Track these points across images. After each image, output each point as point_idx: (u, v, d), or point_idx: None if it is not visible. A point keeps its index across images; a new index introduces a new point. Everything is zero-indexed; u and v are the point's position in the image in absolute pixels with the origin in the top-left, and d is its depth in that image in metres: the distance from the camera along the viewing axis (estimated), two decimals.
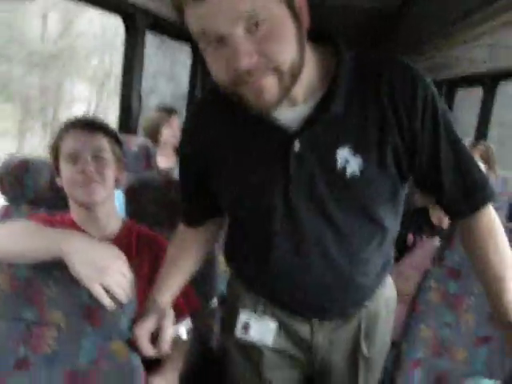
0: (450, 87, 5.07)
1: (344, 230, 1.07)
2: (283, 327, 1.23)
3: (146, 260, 1.49)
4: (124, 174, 1.56)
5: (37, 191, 1.88)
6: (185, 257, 1.30)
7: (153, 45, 3.85)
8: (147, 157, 2.80)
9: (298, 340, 1.24)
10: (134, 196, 1.81)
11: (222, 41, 0.85)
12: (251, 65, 0.86)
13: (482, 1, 2.03)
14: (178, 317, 1.44)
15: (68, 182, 1.46)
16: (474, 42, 2.60)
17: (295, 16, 0.88)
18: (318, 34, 1.01)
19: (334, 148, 1.00)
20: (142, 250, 1.51)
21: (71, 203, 1.52)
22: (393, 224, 1.15)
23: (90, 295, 1.11)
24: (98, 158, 1.45)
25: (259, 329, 1.23)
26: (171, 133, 3.18)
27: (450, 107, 5.03)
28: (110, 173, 1.48)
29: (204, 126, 1.11)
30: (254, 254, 1.18)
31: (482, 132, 4.18)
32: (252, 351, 1.26)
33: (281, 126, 1.01)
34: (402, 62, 1.01)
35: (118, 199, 2.28)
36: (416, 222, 2.65)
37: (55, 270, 1.14)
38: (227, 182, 1.10)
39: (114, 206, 1.57)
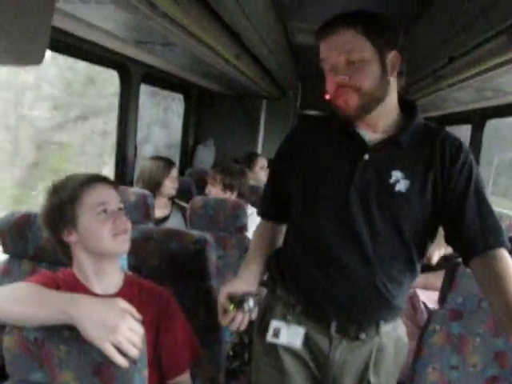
0: (439, 124, 5.17)
1: (380, 238, 1.34)
2: (306, 338, 1.44)
3: (148, 313, 1.48)
4: None
5: (39, 246, 1.89)
6: (260, 245, 1.60)
7: (146, 94, 3.92)
8: (146, 207, 2.82)
9: (318, 352, 1.44)
10: (135, 248, 1.82)
11: (332, 68, 1.32)
12: (344, 82, 1.29)
13: (467, 48, 2.11)
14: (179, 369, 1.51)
15: (98, 235, 1.45)
16: (460, 85, 2.67)
17: (382, 63, 1.29)
18: (405, 104, 1.43)
19: (391, 168, 1.33)
20: (145, 303, 1.50)
21: (79, 258, 1.50)
22: (416, 254, 1.40)
23: (102, 353, 1.11)
24: (121, 209, 1.51)
25: (289, 333, 1.45)
26: (172, 184, 3.20)
27: None
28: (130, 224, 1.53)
29: (302, 135, 1.51)
30: (304, 247, 1.44)
31: None
32: (276, 355, 1.47)
33: (361, 138, 1.37)
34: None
35: None
36: None
37: (65, 330, 1.13)
38: (303, 180, 1.43)
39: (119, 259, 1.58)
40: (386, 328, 1.43)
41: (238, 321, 1.39)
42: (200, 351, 1.58)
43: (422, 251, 1.43)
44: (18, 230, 1.89)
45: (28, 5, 1.10)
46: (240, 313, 1.38)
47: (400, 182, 1.32)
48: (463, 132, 4.36)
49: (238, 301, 1.38)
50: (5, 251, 1.96)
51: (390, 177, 1.33)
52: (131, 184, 3.33)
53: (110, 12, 1.67)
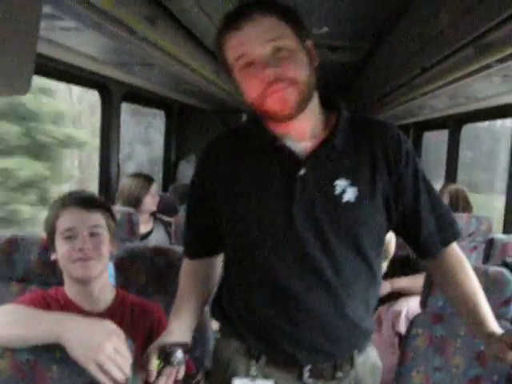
0: (417, 130, 5.28)
1: (338, 258, 1.18)
2: None
3: (140, 331, 1.50)
4: (116, 246, 1.60)
5: (27, 268, 1.90)
6: (191, 288, 1.37)
7: (127, 112, 3.96)
8: (130, 225, 2.84)
9: None
10: (123, 266, 1.85)
11: (252, 64, 1.11)
12: (275, 75, 1.09)
13: (437, 60, 2.19)
14: None
15: (64, 259, 1.47)
16: (433, 93, 2.75)
17: (306, 51, 1.15)
18: (325, 100, 1.26)
19: (334, 178, 1.17)
20: (136, 320, 1.53)
21: (66, 278, 1.53)
22: (377, 265, 1.26)
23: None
24: (94, 234, 1.48)
25: None
26: (152, 200, 3.22)
27: (418, 149, 5.22)
28: (105, 248, 1.51)
29: (215, 162, 1.27)
30: (249, 283, 1.25)
31: (451, 173, 4.32)
32: None
33: (293, 154, 1.19)
34: (389, 122, 1.28)
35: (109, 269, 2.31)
36: None
37: (57, 351, 1.15)
38: (235, 205, 1.23)
39: (107, 278, 1.58)
40: (360, 358, 1.28)
41: (162, 379, 1.19)
42: (192, 368, 1.57)
43: (379, 257, 1.28)
44: (6, 253, 1.91)
45: (12, 35, 1.14)
46: (168, 368, 1.20)
47: (347, 191, 1.17)
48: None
49: (164, 354, 1.20)
50: None
51: (335, 188, 1.17)
52: (114, 202, 3.35)
53: (90, 37, 1.72)
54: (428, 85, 2.57)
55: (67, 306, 1.47)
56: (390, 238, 2.58)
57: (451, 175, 4.30)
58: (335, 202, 1.17)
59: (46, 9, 1.35)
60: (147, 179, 3.25)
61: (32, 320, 1.19)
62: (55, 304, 1.48)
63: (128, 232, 2.86)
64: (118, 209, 2.91)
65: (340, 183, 1.17)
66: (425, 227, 1.25)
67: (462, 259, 1.29)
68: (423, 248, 1.29)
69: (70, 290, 1.52)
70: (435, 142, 5.45)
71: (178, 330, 1.27)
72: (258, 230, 1.21)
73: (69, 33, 1.64)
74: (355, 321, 1.23)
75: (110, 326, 1.18)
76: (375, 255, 1.24)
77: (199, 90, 3.45)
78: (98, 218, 1.51)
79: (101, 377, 1.12)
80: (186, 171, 5.06)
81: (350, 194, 1.17)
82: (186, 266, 1.41)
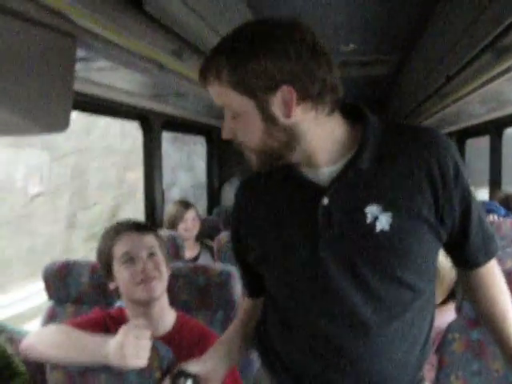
0: (458, 138, 5.22)
1: (375, 294, 1.05)
2: None
3: (196, 355, 1.48)
4: (170, 268, 1.67)
5: (79, 291, 2.05)
6: (244, 326, 1.33)
7: (169, 140, 4.12)
8: (175, 247, 2.97)
9: None
10: (167, 286, 1.96)
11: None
12: (231, 138, 1.05)
13: (461, 65, 2.22)
14: None
15: (127, 283, 1.53)
16: (464, 99, 2.77)
17: (264, 111, 0.99)
18: (347, 108, 1.11)
19: (364, 204, 1.03)
20: (193, 345, 1.55)
21: (126, 302, 1.60)
22: (427, 294, 1.13)
23: (138, 379, 1.24)
24: (152, 256, 1.56)
25: None
26: (185, 227, 3.31)
27: (462, 157, 5.15)
28: (164, 268, 1.59)
29: (245, 203, 1.22)
30: (283, 322, 1.17)
31: (495, 178, 4.26)
32: None
33: (311, 183, 1.08)
34: (433, 129, 1.12)
35: None
36: None
37: None
38: (262, 244, 1.15)
39: (166, 301, 1.64)
40: None
41: None
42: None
43: (430, 283, 1.15)
44: (60, 278, 2.06)
45: (50, 77, 1.29)
46: None
47: (379, 218, 1.02)
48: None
49: (173, 380, 1.20)
50: (49, 297, 2.13)
51: (365, 216, 1.03)
52: (161, 227, 3.49)
53: (124, 74, 1.86)
54: (455, 92, 2.60)
55: None
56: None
57: (495, 181, 4.23)
58: (367, 232, 1.03)
59: (81, 52, 1.49)
60: (183, 205, 3.37)
61: (78, 344, 1.30)
62: (114, 326, 1.52)
63: (173, 255, 2.98)
64: (163, 233, 3.04)
65: (371, 210, 1.03)
66: (472, 241, 1.13)
67: (497, 275, 1.22)
68: (468, 261, 1.18)
69: (131, 312, 1.59)
70: (476, 147, 5.37)
71: (209, 361, 1.24)
72: (283, 270, 1.12)
73: (104, 72, 1.78)
74: (401, 362, 1.10)
75: (129, 326, 1.29)
76: (424, 283, 1.10)
77: None
78: (152, 240, 1.60)
79: (132, 362, 1.23)
80: (230, 194, 5.16)
81: (384, 222, 1.02)
82: (245, 302, 1.39)
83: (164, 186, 3.71)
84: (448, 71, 2.43)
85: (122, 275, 1.55)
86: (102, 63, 1.64)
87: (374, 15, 2.64)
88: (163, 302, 1.61)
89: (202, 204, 4.86)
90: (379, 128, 1.08)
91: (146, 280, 1.52)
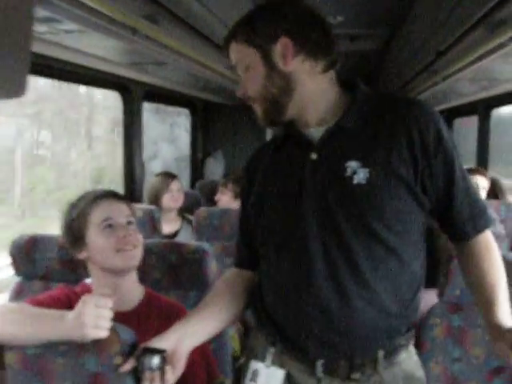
0: (446, 117, 5.17)
1: (351, 246, 1.13)
2: (290, 380, 1.23)
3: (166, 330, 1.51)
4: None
5: (47, 267, 1.96)
6: (224, 299, 1.33)
7: (151, 111, 4.01)
8: (152, 222, 2.89)
9: None
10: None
11: None
12: (243, 93, 1.22)
13: (452, 40, 2.13)
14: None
15: (106, 250, 1.47)
16: (453, 77, 2.69)
17: (267, 60, 1.17)
18: (343, 81, 1.26)
19: (345, 160, 1.14)
20: (163, 320, 1.51)
21: (95, 273, 1.54)
22: (411, 256, 1.17)
23: (96, 364, 1.17)
24: (130, 223, 1.53)
25: (267, 377, 1.25)
26: (170, 197, 3.23)
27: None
28: (141, 237, 1.55)
29: (256, 162, 1.35)
30: (271, 265, 1.25)
31: (482, 158, 4.22)
32: None
33: (305, 139, 1.22)
34: (419, 101, 1.22)
35: None
36: None
37: (61, 344, 1.19)
38: (260, 194, 1.28)
39: (135, 275, 1.59)
40: (386, 362, 1.19)
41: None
42: (216, 372, 1.57)
43: (413, 246, 1.19)
44: (28, 252, 1.97)
45: (4, 38, 1.17)
46: (147, 372, 1.15)
47: (358, 172, 1.12)
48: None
49: (138, 357, 1.17)
50: (17, 273, 2.05)
51: (345, 169, 1.13)
52: (140, 201, 3.40)
53: (95, 39, 1.75)
54: (445, 69, 2.51)
55: None
56: None
57: (483, 162, 4.19)
58: (346, 183, 1.13)
59: (45, 12, 1.38)
60: (168, 176, 3.27)
61: (37, 320, 1.23)
62: (77, 301, 1.49)
63: (150, 230, 2.90)
64: (140, 206, 2.95)
65: (350, 164, 1.14)
66: (458, 211, 1.19)
67: (491, 248, 1.24)
68: (456, 233, 1.24)
69: (98, 286, 1.53)
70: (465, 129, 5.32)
71: (173, 336, 1.22)
72: (272, 215, 1.24)
73: (73, 35, 1.67)
74: (374, 316, 1.15)
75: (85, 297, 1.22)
76: (398, 241, 1.14)
77: (217, 85, 3.46)
78: (129, 209, 1.56)
79: (92, 332, 1.16)
80: (214, 168, 5.09)
81: (361, 176, 1.12)
82: (228, 273, 1.40)
83: (145, 159, 3.61)
84: (439, 46, 2.34)
85: (98, 242, 1.49)
86: (69, 25, 1.53)
87: None
88: (134, 274, 1.56)
89: (184, 177, 4.76)
90: (369, 95, 1.21)
91: (125, 247, 1.48)
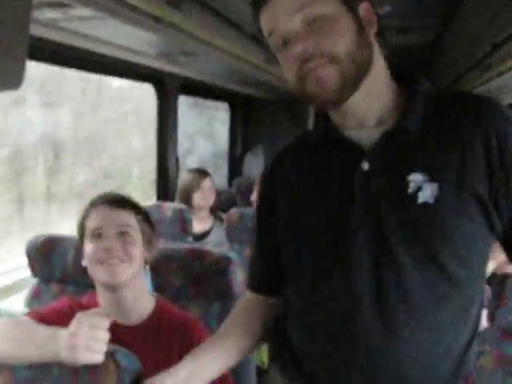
0: None
1: (410, 282, 0.90)
2: None
3: (176, 346, 1.38)
4: (152, 252, 1.49)
5: (64, 269, 1.87)
6: (238, 332, 1.14)
7: (187, 104, 3.89)
8: (182, 221, 2.77)
9: None
10: (159, 268, 1.76)
11: (287, 43, 0.93)
12: (308, 51, 0.90)
13: (509, 33, 1.92)
14: None
15: (90, 261, 1.37)
16: (510, 72, 2.46)
17: (355, 16, 0.91)
18: (400, 73, 1.02)
19: (407, 172, 0.91)
20: (173, 339, 1.40)
21: (96, 284, 1.43)
22: (475, 291, 0.95)
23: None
24: (124, 234, 1.38)
25: None
26: (202, 196, 3.10)
27: None
28: (137, 251, 1.39)
29: (280, 176, 1.10)
30: (302, 311, 1.04)
31: None
32: None
33: (352, 144, 0.97)
34: (492, 98, 0.97)
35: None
36: None
37: (55, 369, 1.07)
38: (293, 211, 1.04)
39: (143, 287, 1.46)
40: None
41: None
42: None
43: (477, 280, 0.96)
44: (44, 254, 1.88)
45: (1, 29, 1.06)
46: None
47: (424, 188, 0.89)
48: None
49: None
50: (34, 275, 1.96)
51: (407, 184, 0.90)
52: (174, 198, 3.29)
53: (115, 27, 1.62)
54: (501, 63, 2.28)
55: None
56: None
57: None
58: (408, 202, 0.90)
59: None
60: (199, 173, 3.14)
61: (29, 338, 1.11)
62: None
63: (180, 229, 2.79)
64: (170, 205, 2.85)
65: (415, 178, 0.90)
66: None
67: None
68: None
69: (101, 298, 1.42)
70: None
71: (182, 372, 1.06)
72: (309, 239, 1.00)
73: (90, 22, 1.55)
74: (433, 367, 0.93)
75: (79, 316, 1.09)
76: (465, 274, 0.92)
77: (255, 79, 3.31)
78: (128, 218, 1.40)
79: (84, 358, 1.02)
80: (253, 164, 4.94)
81: (427, 193, 0.89)
82: (244, 299, 1.22)
83: (180, 154, 3.50)
84: (494, 39, 2.12)
85: (87, 252, 1.39)
86: (83, 11, 1.40)
87: None
88: (137, 288, 1.41)
89: (221, 174, 4.63)
90: (431, 92, 0.98)
91: (108, 261, 1.34)
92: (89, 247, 1.38)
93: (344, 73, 0.91)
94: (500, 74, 2.54)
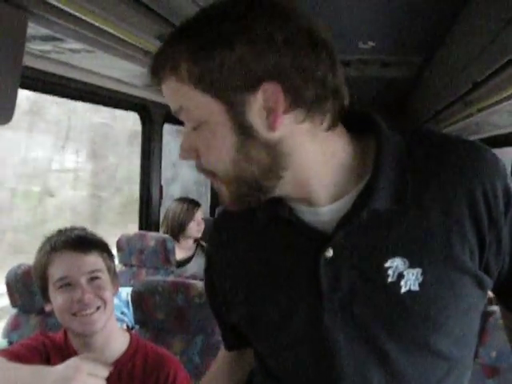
0: None
1: (396, 366, 0.79)
2: None
3: None
4: (118, 286, 1.44)
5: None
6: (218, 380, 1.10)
7: (170, 133, 3.89)
8: (165, 252, 2.75)
9: None
10: (140, 302, 1.74)
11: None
12: (193, 158, 0.77)
13: (490, 72, 1.96)
14: None
15: (61, 312, 1.31)
16: (490, 109, 2.51)
17: (240, 126, 0.72)
18: (353, 118, 0.83)
19: (383, 258, 0.76)
20: (147, 378, 1.37)
21: (67, 331, 1.38)
22: (466, 359, 0.85)
23: None
24: (93, 279, 1.33)
25: None
26: (196, 227, 3.12)
27: None
28: (109, 294, 1.35)
29: (224, 244, 0.93)
30: None
31: None
32: None
33: (309, 228, 0.80)
34: (477, 144, 0.79)
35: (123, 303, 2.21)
36: None
37: None
38: (251, 304, 0.87)
39: (114, 326, 1.42)
40: None
41: None
42: None
43: (473, 347, 0.86)
44: (25, 284, 1.85)
45: None
46: None
47: (406, 275, 0.75)
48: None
49: None
50: (13, 305, 1.92)
51: (385, 273, 0.75)
52: (157, 227, 3.27)
53: (105, 59, 1.64)
54: (482, 101, 2.33)
55: (70, 356, 1.26)
56: None
57: None
58: (389, 294, 0.76)
59: (46, 31, 1.27)
60: (192, 204, 3.15)
61: (12, 375, 1.08)
62: (55, 353, 1.34)
63: (163, 260, 2.77)
64: (153, 235, 2.83)
65: (394, 264, 0.76)
66: None
67: None
68: None
69: (73, 342, 1.37)
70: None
71: None
72: (278, 340, 0.85)
73: (80, 55, 1.56)
74: None
75: (76, 362, 1.04)
76: (464, 350, 0.83)
77: None
78: (95, 262, 1.34)
79: None
80: None
81: (411, 281, 0.75)
82: (220, 357, 1.13)
83: (163, 182, 3.48)
84: (475, 77, 2.17)
85: (56, 302, 1.32)
86: (74, 45, 1.41)
87: (397, 13, 2.38)
88: (109, 330, 1.37)
89: (204, 202, 4.61)
90: (399, 143, 0.79)
91: (82, 312, 1.29)
92: (57, 298, 1.31)
93: (233, 190, 0.77)
94: (480, 110, 2.58)
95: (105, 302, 1.33)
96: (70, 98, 2.53)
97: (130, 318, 2.14)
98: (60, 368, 1.04)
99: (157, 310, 1.72)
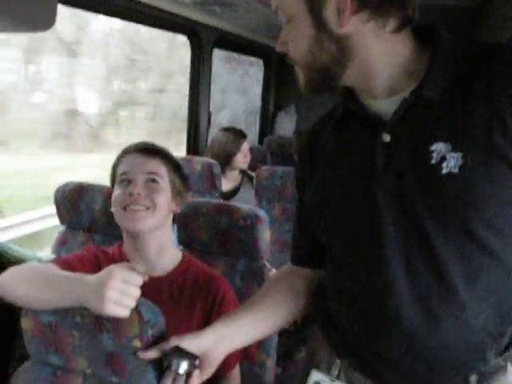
0: None
1: (442, 256, 0.85)
2: None
3: (200, 301, 1.37)
4: (180, 206, 1.47)
5: (92, 218, 1.87)
6: (276, 301, 1.12)
7: (221, 59, 3.80)
8: (211, 177, 2.74)
9: None
10: (185, 223, 1.74)
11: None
12: (284, 50, 0.94)
13: None
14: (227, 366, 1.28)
15: (115, 206, 1.37)
16: None
17: (316, 19, 0.87)
18: (421, 30, 0.93)
19: (429, 142, 0.85)
20: (198, 290, 1.39)
21: (123, 232, 1.42)
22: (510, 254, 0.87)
23: (113, 342, 1.03)
24: (151, 182, 1.37)
25: None
26: (243, 159, 3.04)
27: None
28: (163, 200, 1.38)
29: (309, 150, 1.09)
30: (338, 285, 1.01)
31: None
32: None
33: (371, 115, 0.93)
34: None
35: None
36: None
37: (77, 315, 1.07)
38: (323, 188, 1.01)
39: (168, 239, 1.45)
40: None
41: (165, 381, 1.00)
42: (253, 348, 1.46)
43: None
44: (72, 201, 1.88)
45: None
46: (169, 373, 1.00)
47: (447, 158, 0.83)
48: None
49: (165, 357, 1.02)
50: (61, 222, 1.97)
51: (430, 155, 0.84)
52: (203, 153, 3.25)
53: None
54: None
55: None
56: None
57: None
58: (431, 174, 0.84)
59: None
60: (239, 135, 3.06)
61: (54, 282, 1.10)
62: (107, 263, 1.34)
63: (209, 184, 2.76)
64: (199, 160, 2.81)
65: (438, 148, 0.84)
66: None
67: None
68: None
69: (126, 246, 1.42)
70: None
71: (210, 337, 1.04)
72: (339, 219, 0.97)
73: None
74: (470, 341, 0.88)
75: (111, 268, 1.06)
76: (502, 245, 0.85)
77: None
78: (157, 167, 1.40)
79: (114, 311, 1.01)
80: (285, 123, 4.85)
81: (451, 163, 0.82)
82: (285, 269, 1.19)
83: (212, 109, 3.44)
84: None
85: (114, 195, 1.40)
86: None
87: None
88: (161, 239, 1.41)
89: (252, 131, 4.55)
90: (457, 47, 0.89)
91: (131, 206, 1.33)
92: (116, 191, 1.39)
93: (307, 76, 0.93)
94: None
95: (155, 206, 1.35)
96: (113, 16, 2.48)
97: (173, 239, 2.16)
98: (97, 275, 1.06)
99: (201, 231, 1.72)
